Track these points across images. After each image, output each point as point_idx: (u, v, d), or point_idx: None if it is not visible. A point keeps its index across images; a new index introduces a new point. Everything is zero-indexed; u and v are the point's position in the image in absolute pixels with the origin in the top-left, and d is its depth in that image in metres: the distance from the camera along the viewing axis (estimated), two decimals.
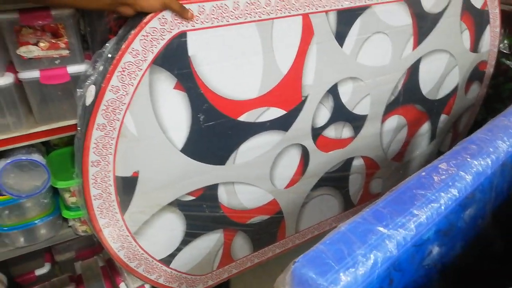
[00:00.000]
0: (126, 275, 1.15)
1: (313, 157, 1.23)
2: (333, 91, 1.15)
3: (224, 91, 0.96)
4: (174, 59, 0.87)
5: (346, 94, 1.19)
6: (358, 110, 1.25)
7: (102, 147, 0.86)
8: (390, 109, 1.34)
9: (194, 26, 0.86)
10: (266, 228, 1.27)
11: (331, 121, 1.20)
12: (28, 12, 0.82)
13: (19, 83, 0.90)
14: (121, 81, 0.82)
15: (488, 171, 0.78)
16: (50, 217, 1.06)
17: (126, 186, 0.93)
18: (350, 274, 0.52)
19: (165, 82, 0.88)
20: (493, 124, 0.94)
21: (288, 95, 1.07)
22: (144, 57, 0.83)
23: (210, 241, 1.16)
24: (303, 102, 1.10)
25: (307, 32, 1.02)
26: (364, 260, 0.54)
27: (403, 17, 1.20)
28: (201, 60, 0.90)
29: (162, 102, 0.89)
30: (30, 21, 0.83)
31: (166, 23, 0.82)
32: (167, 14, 0.82)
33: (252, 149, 1.08)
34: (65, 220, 1.11)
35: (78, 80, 0.89)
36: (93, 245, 1.30)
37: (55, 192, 1.08)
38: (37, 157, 0.96)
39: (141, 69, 0.84)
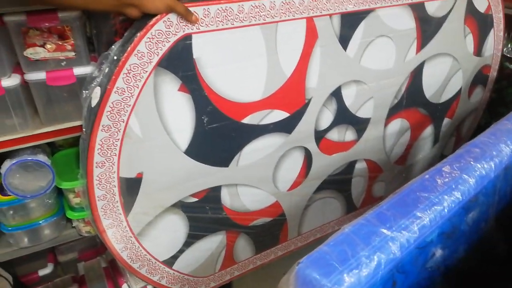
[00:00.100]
0: (128, 276, 1.15)
1: (316, 159, 1.23)
2: (336, 94, 1.15)
3: (228, 94, 0.97)
4: (179, 61, 0.87)
5: (349, 97, 1.19)
6: (361, 113, 1.25)
7: (107, 148, 0.87)
8: (393, 112, 1.34)
9: (199, 29, 0.86)
10: (269, 230, 1.27)
11: (334, 124, 1.21)
12: (35, 14, 0.83)
13: (25, 84, 0.91)
14: (126, 83, 0.83)
15: (491, 174, 0.79)
16: (54, 218, 1.06)
17: (130, 187, 0.94)
18: (353, 275, 0.52)
19: (170, 84, 0.88)
20: (497, 127, 0.94)
21: (292, 98, 1.07)
22: (150, 59, 0.84)
23: (213, 243, 1.17)
24: (307, 104, 1.11)
25: (311, 35, 1.02)
26: (367, 262, 0.54)
27: (406, 21, 1.20)
28: (205, 63, 0.90)
29: (166, 104, 0.90)
30: (37, 23, 0.84)
31: (171, 26, 0.83)
32: (172, 17, 0.82)
33: (255, 151, 1.08)
34: (69, 220, 1.12)
35: (83, 82, 0.90)
36: (96, 246, 1.31)
37: (59, 193, 1.09)
38: (42, 157, 0.97)
39: (146, 71, 0.84)
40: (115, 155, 0.88)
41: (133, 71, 0.83)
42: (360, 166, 1.38)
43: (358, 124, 1.27)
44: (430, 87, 1.41)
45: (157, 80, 0.86)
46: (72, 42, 0.88)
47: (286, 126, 1.10)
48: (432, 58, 1.34)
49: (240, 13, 0.90)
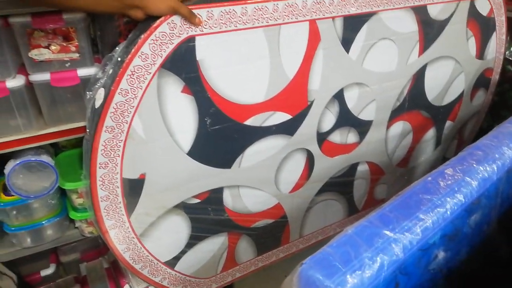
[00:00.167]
0: (130, 277, 1.15)
1: (318, 162, 1.23)
2: (339, 96, 1.16)
3: (231, 95, 0.97)
4: (182, 63, 0.88)
5: (351, 99, 1.19)
6: (364, 116, 1.26)
7: (110, 149, 0.87)
8: (396, 115, 1.35)
9: (202, 31, 0.87)
10: (270, 232, 1.27)
11: (336, 126, 1.21)
12: (40, 15, 0.84)
13: (29, 85, 0.91)
14: (130, 84, 0.83)
15: (493, 177, 0.79)
16: (57, 218, 1.07)
17: (133, 188, 0.94)
18: (356, 276, 0.52)
19: (173, 86, 0.89)
20: (499, 130, 0.94)
21: (294, 100, 1.08)
22: (153, 61, 0.84)
23: (215, 244, 1.17)
24: (309, 107, 1.11)
25: (314, 38, 1.03)
26: (370, 263, 0.54)
27: (409, 24, 1.20)
28: (208, 65, 0.91)
29: (169, 105, 0.90)
30: (42, 25, 0.85)
31: (175, 28, 0.84)
32: (176, 19, 0.83)
33: (257, 153, 1.08)
34: (72, 221, 1.12)
35: (87, 83, 0.91)
36: (98, 246, 1.31)
37: (62, 193, 1.09)
38: (46, 158, 0.97)
39: (149, 73, 0.85)
40: (118, 156, 0.89)
41: (136, 73, 0.83)
42: (362, 168, 1.38)
43: (360, 127, 1.27)
44: (432, 90, 1.41)
45: (161, 81, 0.87)
46: (77, 43, 0.89)
47: (288, 128, 1.10)
48: (434, 61, 1.34)
49: (243, 16, 0.90)
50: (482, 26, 1.43)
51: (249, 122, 1.03)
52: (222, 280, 1.26)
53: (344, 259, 0.54)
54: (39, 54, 0.87)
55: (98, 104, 0.85)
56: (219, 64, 0.92)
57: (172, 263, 1.10)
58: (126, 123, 0.86)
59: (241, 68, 0.96)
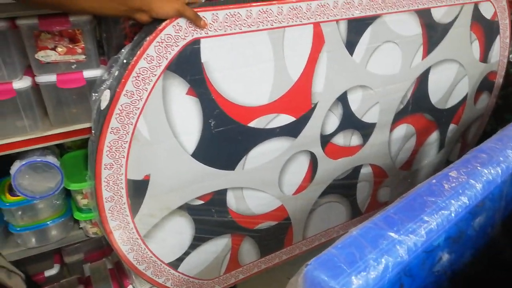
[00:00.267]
0: (134, 278, 1.16)
1: (322, 164, 1.23)
2: (342, 99, 1.16)
3: (235, 97, 0.97)
4: (187, 65, 0.88)
5: (355, 102, 1.20)
6: (367, 118, 1.26)
7: (115, 150, 0.88)
8: (399, 117, 1.35)
9: (207, 34, 0.87)
10: (274, 234, 1.27)
11: (340, 129, 1.21)
12: (47, 18, 0.85)
13: (36, 87, 0.92)
14: (135, 86, 0.84)
15: (498, 179, 0.79)
16: (62, 219, 1.07)
17: (137, 189, 0.95)
18: (361, 277, 0.52)
19: (178, 88, 0.89)
20: (503, 134, 0.94)
21: (298, 102, 1.08)
22: (159, 63, 0.85)
23: (218, 245, 1.17)
24: (313, 109, 1.11)
25: (318, 41, 1.03)
26: (375, 264, 0.54)
27: (413, 27, 1.21)
28: (213, 67, 0.91)
29: (174, 107, 0.91)
30: (49, 27, 0.86)
31: (180, 30, 0.84)
32: (181, 22, 0.84)
33: (261, 155, 1.09)
34: (76, 221, 1.13)
35: (93, 85, 0.91)
36: (101, 247, 1.31)
37: (67, 194, 1.10)
38: (51, 159, 0.98)
39: (155, 75, 0.85)
40: (123, 157, 0.89)
41: (142, 75, 0.84)
42: (366, 171, 1.38)
43: (363, 129, 1.27)
44: (436, 93, 1.41)
45: (166, 83, 0.88)
46: (83, 45, 0.90)
47: (292, 130, 1.11)
48: (438, 64, 1.34)
49: (248, 18, 0.91)
50: (486, 30, 1.43)
51: (253, 124, 1.03)
52: (225, 281, 1.26)
53: (349, 260, 0.54)
54: (45, 55, 0.88)
55: (103, 105, 0.86)
56: (224, 66, 0.93)
57: (175, 264, 1.10)
58: (131, 124, 0.87)
59: (246, 71, 0.96)
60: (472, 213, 0.73)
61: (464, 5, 1.31)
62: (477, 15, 1.37)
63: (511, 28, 1.51)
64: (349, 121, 1.22)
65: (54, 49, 0.88)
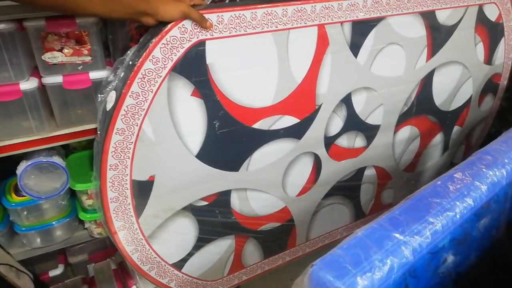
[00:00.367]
0: (138, 279, 1.16)
1: (325, 165, 1.23)
2: (346, 100, 1.16)
3: (240, 99, 0.98)
4: (192, 67, 0.89)
5: (359, 103, 1.20)
6: (371, 120, 1.26)
7: (121, 151, 0.88)
8: (403, 119, 1.35)
9: (212, 35, 0.88)
10: (277, 235, 1.27)
11: (344, 130, 1.21)
12: (54, 19, 0.86)
13: (42, 88, 0.93)
14: (141, 88, 0.85)
15: (503, 181, 0.79)
16: (67, 219, 1.08)
17: (142, 190, 0.95)
18: (367, 278, 0.52)
19: (183, 89, 0.90)
20: (508, 135, 0.94)
21: (302, 104, 1.08)
22: (164, 64, 0.85)
23: (222, 247, 1.17)
24: (317, 111, 1.12)
25: (322, 42, 1.03)
26: (380, 265, 0.54)
27: (417, 29, 1.21)
28: (218, 68, 0.92)
29: (179, 108, 0.91)
30: (56, 28, 0.86)
31: (186, 32, 0.85)
32: (187, 24, 0.84)
33: (265, 156, 1.09)
34: (81, 222, 1.13)
35: (99, 86, 0.92)
36: (106, 248, 1.32)
37: (72, 195, 1.10)
38: (57, 159, 0.98)
39: (160, 76, 0.86)
40: (128, 158, 0.90)
41: (147, 76, 0.85)
42: (369, 172, 1.38)
43: (367, 131, 1.27)
44: (440, 95, 1.41)
45: (171, 85, 0.88)
46: (89, 47, 0.91)
47: (296, 132, 1.11)
48: (442, 66, 1.34)
49: (253, 20, 0.91)
50: (491, 32, 1.43)
51: (257, 125, 1.03)
52: (228, 283, 1.26)
53: (355, 261, 0.54)
54: (52, 57, 0.89)
55: (109, 106, 0.87)
56: (229, 68, 0.93)
57: (179, 265, 1.11)
58: (137, 125, 0.88)
59: (250, 72, 0.97)
60: (477, 215, 0.73)
61: (469, 7, 1.31)
62: (481, 17, 1.37)
63: None
64: (353, 123, 1.22)
65: (60, 50, 0.89)
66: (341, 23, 1.05)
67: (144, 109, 0.87)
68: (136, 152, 0.90)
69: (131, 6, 0.78)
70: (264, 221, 1.21)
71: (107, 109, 0.87)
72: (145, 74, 0.84)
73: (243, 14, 0.90)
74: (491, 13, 1.40)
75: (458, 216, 0.67)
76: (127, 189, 0.93)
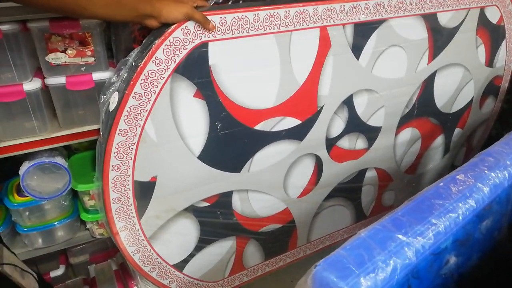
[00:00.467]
0: (139, 279, 1.16)
1: (327, 167, 1.24)
2: (348, 102, 1.17)
3: (242, 100, 0.98)
4: (195, 68, 0.89)
5: (361, 105, 1.20)
6: (373, 122, 1.26)
7: (123, 152, 0.88)
8: (404, 121, 1.35)
9: (215, 37, 0.88)
10: (278, 237, 1.27)
11: (345, 132, 1.21)
12: (58, 20, 0.86)
13: (45, 88, 0.93)
14: (143, 89, 0.85)
15: (505, 183, 0.79)
16: (69, 219, 1.08)
17: (144, 191, 0.95)
18: (370, 279, 0.53)
19: (186, 90, 0.90)
20: (510, 137, 0.94)
21: (304, 105, 1.09)
22: (167, 65, 0.86)
23: (223, 248, 1.17)
24: (318, 112, 1.12)
25: (324, 44, 1.04)
26: (384, 266, 0.54)
27: (419, 31, 1.21)
28: (220, 70, 0.92)
29: (181, 109, 0.91)
30: (60, 30, 0.87)
31: (188, 34, 0.85)
32: (190, 25, 0.84)
33: (267, 158, 1.09)
34: (83, 222, 1.13)
35: (102, 87, 0.92)
36: (107, 248, 1.32)
37: (74, 195, 1.11)
38: (59, 160, 0.99)
39: (163, 77, 0.86)
40: (131, 159, 0.90)
41: (150, 77, 0.85)
42: (370, 174, 1.38)
43: (369, 133, 1.28)
44: (442, 97, 1.41)
45: (173, 86, 0.88)
46: (92, 48, 0.91)
47: (297, 133, 1.11)
48: (443, 68, 1.35)
49: (255, 22, 0.92)
50: (492, 34, 1.43)
51: (259, 127, 1.04)
52: (229, 284, 1.26)
53: (358, 261, 0.54)
54: (55, 58, 0.89)
55: (112, 107, 0.87)
56: (231, 69, 0.93)
57: (180, 266, 1.11)
58: (139, 126, 0.88)
59: (252, 74, 0.97)
60: (479, 216, 0.73)
61: (470, 9, 1.31)
62: (483, 20, 1.37)
63: None
64: (355, 125, 1.22)
65: (64, 51, 0.89)
66: (343, 25, 1.05)
67: (146, 110, 0.87)
68: (139, 153, 0.90)
69: (135, 9, 0.78)
70: (265, 222, 1.21)
71: (110, 110, 0.87)
72: (148, 75, 0.84)
73: (245, 16, 0.90)
74: (493, 16, 1.40)
75: (460, 217, 0.67)
76: (129, 190, 0.93)
